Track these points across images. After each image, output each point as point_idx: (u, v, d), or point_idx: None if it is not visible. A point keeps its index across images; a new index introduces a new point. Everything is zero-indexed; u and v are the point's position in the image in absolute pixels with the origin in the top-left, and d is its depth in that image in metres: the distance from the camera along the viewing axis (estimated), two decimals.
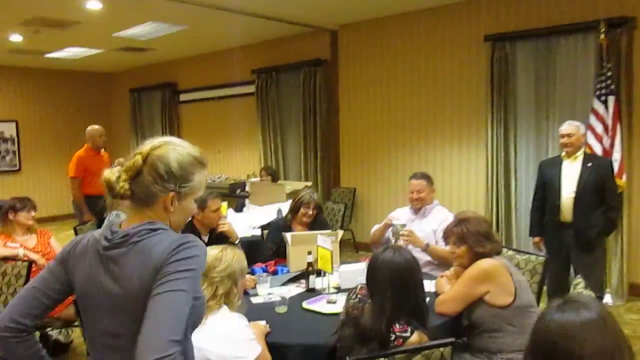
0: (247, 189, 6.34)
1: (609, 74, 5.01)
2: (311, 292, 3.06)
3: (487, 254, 2.63)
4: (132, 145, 10.61)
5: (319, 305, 2.82)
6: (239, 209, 6.06)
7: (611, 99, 4.99)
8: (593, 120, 5.03)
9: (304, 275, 3.13)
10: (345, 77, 7.50)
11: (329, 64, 7.57)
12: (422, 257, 3.61)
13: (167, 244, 1.35)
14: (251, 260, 4.25)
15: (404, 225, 3.56)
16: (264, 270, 3.36)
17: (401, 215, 3.89)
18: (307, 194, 3.95)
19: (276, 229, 4.08)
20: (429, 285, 3.00)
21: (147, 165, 1.41)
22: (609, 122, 5.01)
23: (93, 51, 8.58)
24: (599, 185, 4.08)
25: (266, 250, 3.94)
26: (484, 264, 2.60)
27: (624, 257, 5.17)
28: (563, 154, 4.25)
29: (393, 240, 3.52)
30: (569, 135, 4.17)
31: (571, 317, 1.25)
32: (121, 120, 11.01)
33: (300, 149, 7.91)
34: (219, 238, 3.44)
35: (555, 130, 5.59)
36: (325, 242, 3.04)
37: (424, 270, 3.50)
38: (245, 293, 2.97)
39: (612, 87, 5.00)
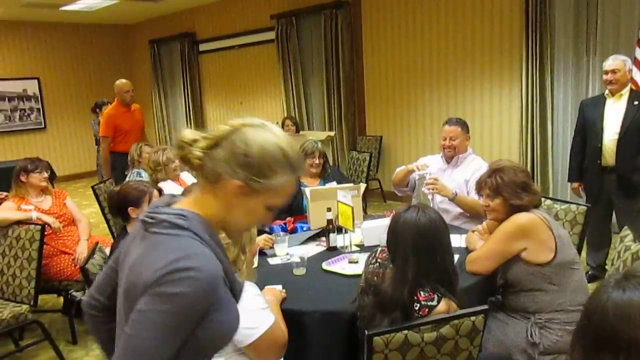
0: None
1: None
2: (332, 250, 2.87)
3: (524, 207, 2.37)
4: (155, 98, 10.48)
5: (340, 265, 2.63)
6: None
7: None
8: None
9: (324, 232, 2.93)
10: (368, 20, 7.08)
11: (351, 5, 7.14)
12: (453, 209, 3.38)
13: (164, 261, 1.08)
14: None
15: (424, 176, 3.31)
16: (283, 229, 3.17)
17: (432, 163, 3.62)
18: (309, 143, 3.73)
19: None
20: (459, 241, 2.79)
21: (229, 139, 1.17)
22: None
23: (108, 2, 8.30)
24: None
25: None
26: (521, 218, 2.35)
27: None
28: (606, 92, 3.89)
29: (418, 189, 3.27)
30: (613, 72, 3.78)
31: (635, 296, 1.01)
32: (142, 73, 10.81)
33: (323, 97, 7.61)
34: None
35: (597, 66, 5.21)
36: (346, 197, 2.81)
37: (455, 223, 3.29)
38: (262, 254, 2.81)
39: None
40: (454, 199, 3.26)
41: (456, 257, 2.37)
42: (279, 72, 8.08)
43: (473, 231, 2.74)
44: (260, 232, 3.08)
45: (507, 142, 5.93)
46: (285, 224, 3.24)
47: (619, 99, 3.82)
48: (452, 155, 3.50)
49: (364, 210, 5.26)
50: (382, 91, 7.12)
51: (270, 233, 3.10)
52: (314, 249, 2.93)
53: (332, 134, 6.24)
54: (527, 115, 5.58)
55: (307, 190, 3.31)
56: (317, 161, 3.76)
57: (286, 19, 7.80)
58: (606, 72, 3.82)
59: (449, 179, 3.48)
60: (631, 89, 3.87)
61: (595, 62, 5.23)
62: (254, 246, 1.98)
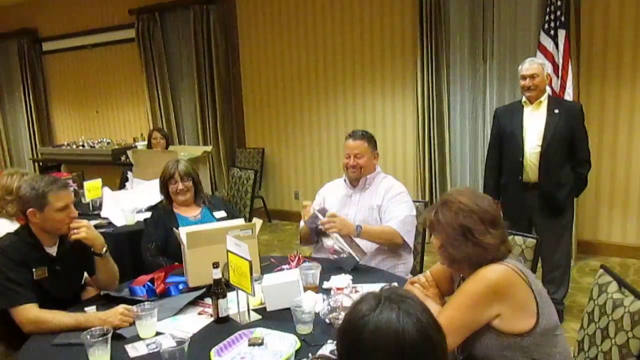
0: (129, 157, 5.04)
1: (559, 3, 4.25)
2: (222, 323, 2.01)
3: (488, 255, 1.71)
4: None
5: (237, 351, 1.78)
6: (122, 184, 4.79)
7: (562, 33, 4.26)
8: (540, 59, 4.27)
9: (210, 294, 2.06)
10: (245, 17, 6.26)
11: (224, 2, 6.27)
12: (367, 245, 2.68)
13: None
14: (138, 260, 3.17)
15: (323, 211, 2.60)
16: (148, 290, 2.24)
17: (333, 190, 2.91)
18: (169, 164, 3.05)
19: (156, 219, 2.98)
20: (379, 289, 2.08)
21: None
22: (560, 60, 4.29)
23: None
24: (568, 135, 3.32)
25: (144, 251, 2.86)
26: (490, 274, 1.67)
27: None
28: (523, 99, 3.45)
29: (319, 238, 2.56)
30: (532, 76, 3.34)
31: None
32: None
33: (195, 106, 6.66)
34: (74, 249, 2.25)
35: (495, 71, 4.90)
36: (240, 246, 1.98)
37: (373, 262, 2.60)
38: (119, 337, 1.88)
39: (563, 19, 4.26)
40: (359, 234, 2.58)
41: None
42: (142, 76, 6.98)
43: (412, 282, 2.05)
44: (116, 301, 2.14)
45: (401, 157, 5.43)
46: (151, 282, 2.30)
47: (537, 107, 3.39)
48: (357, 176, 2.82)
49: None
50: (263, 98, 6.35)
51: (129, 300, 2.15)
52: (196, 320, 2.04)
53: (209, 149, 5.34)
54: (424, 123, 5.12)
55: (181, 232, 2.41)
56: (180, 186, 2.98)
57: (148, 14, 6.72)
58: (524, 77, 3.37)
59: (356, 206, 2.81)
60: (549, 96, 3.47)
61: (493, 67, 4.91)
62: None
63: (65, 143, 7.68)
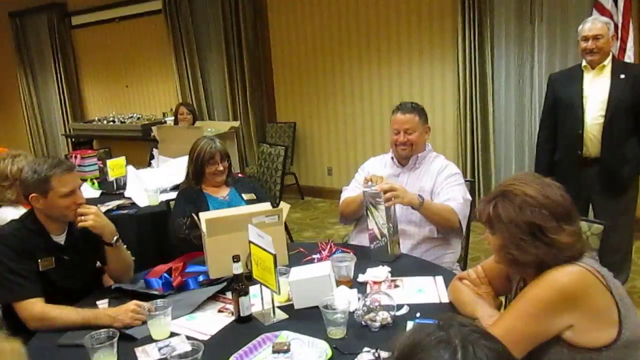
0: (154, 133, 4.84)
1: None
2: (244, 322, 1.77)
3: (561, 256, 1.41)
4: (21, 83, 8.69)
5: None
6: (150, 162, 4.61)
7: None
8: None
9: (231, 288, 1.83)
10: None
11: None
12: (414, 231, 2.41)
13: None
14: (162, 243, 2.96)
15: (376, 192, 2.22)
16: (164, 283, 2.02)
17: (378, 167, 2.59)
18: (206, 144, 2.78)
19: (186, 195, 2.76)
20: (433, 289, 1.85)
21: None
22: (619, 19, 3.86)
23: None
24: (635, 104, 2.94)
25: (177, 227, 2.60)
26: (562, 277, 1.37)
27: None
28: (584, 63, 3.06)
29: (367, 212, 2.24)
30: (595, 38, 2.95)
31: None
32: (1, 53, 8.91)
33: (224, 80, 6.42)
34: (84, 237, 2.03)
35: (544, 34, 4.46)
36: (263, 238, 1.72)
37: (418, 251, 2.32)
38: (130, 338, 1.67)
39: None
40: (420, 207, 2.26)
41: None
42: (170, 49, 6.75)
43: (460, 278, 1.76)
44: (130, 295, 1.93)
45: (440, 127, 5.05)
46: (168, 274, 2.08)
47: (600, 72, 3.01)
48: (408, 154, 2.50)
49: (286, 233, 4.20)
50: (294, 70, 6.04)
51: (143, 294, 1.94)
52: (215, 319, 1.81)
53: (236, 124, 5.12)
54: (465, 93, 4.74)
55: (201, 218, 2.18)
56: (220, 167, 2.76)
57: None
58: (586, 39, 2.98)
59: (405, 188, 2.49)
60: (613, 59, 3.07)
61: (542, 29, 4.47)
62: None
63: (96, 118, 7.59)
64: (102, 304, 1.96)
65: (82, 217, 1.92)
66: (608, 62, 2.99)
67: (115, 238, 1.99)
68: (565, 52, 4.36)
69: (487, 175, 4.81)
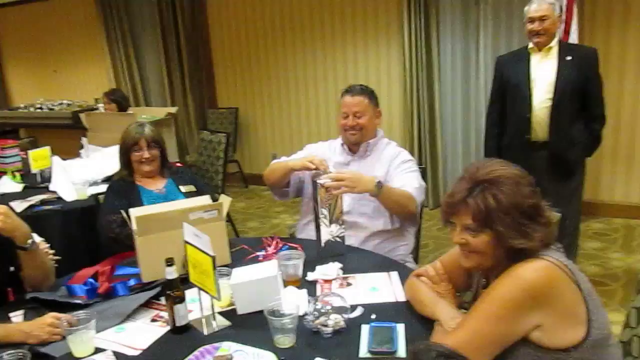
0: (83, 121, 4.50)
1: None
2: (180, 332, 1.58)
3: (532, 248, 1.30)
4: None
5: None
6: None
7: None
8: None
9: (166, 297, 1.62)
10: None
11: None
12: (367, 223, 2.26)
13: None
14: (92, 242, 2.66)
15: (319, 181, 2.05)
16: (89, 290, 1.79)
17: (327, 154, 2.43)
18: (132, 129, 2.58)
19: (117, 190, 2.52)
20: (388, 285, 1.74)
21: None
22: (563, 1, 3.83)
23: None
24: (582, 86, 2.91)
25: (106, 225, 2.35)
26: (530, 273, 1.26)
27: None
28: (530, 45, 3.00)
29: (317, 198, 2.07)
30: (541, 19, 2.89)
31: None
32: None
33: (161, 63, 6.10)
34: None
35: (488, 17, 4.41)
36: (200, 238, 1.53)
37: (369, 244, 2.19)
38: (47, 357, 1.45)
39: None
40: (378, 193, 2.07)
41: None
42: (102, 31, 6.36)
43: (418, 275, 1.63)
44: (49, 305, 1.69)
45: (386, 111, 4.94)
46: (94, 279, 1.85)
47: (546, 54, 2.96)
48: (358, 139, 2.34)
49: (230, 223, 4.09)
50: (235, 53, 5.80)
51: (63, 304, 1.70)
52: (147, 330, 1.61)
53: (173, 110, 4.83)
54: (412, 78, 4.68)
55: (131, 214, 1.95)
56: (145, 154, 2.52)
57: None
58: (532, 20, 2.92)
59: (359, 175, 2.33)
60: (560, 41, 3.03)
61: (487, 10, 4.42)
62: None
63: (22, 105, 7.05)
64: (17, 316, 1.71)
65: None
66: (554, 44, 2.95)
67: (30, 241, 1.74)
68: (510, 35, 4.34)
69: (435, 161, 4.76)
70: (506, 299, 1.25)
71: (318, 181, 2.01)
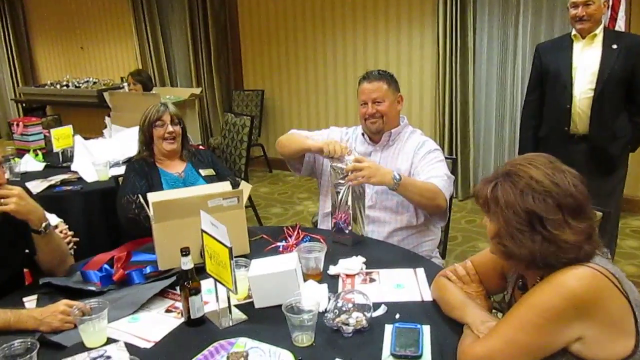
0: (107, 100, 4.49)
1: None
2: (195, 325, 1.53)
3: (562, 256, 1.21)
4: None
5: None
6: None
7: None
8: None
9: (181, 287, 1.58)
10: None
11: None
12: (389, 219, 2.19)
13: None
14: (113, 225, 2.63)
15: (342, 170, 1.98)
16: (103, 277, 1.75)
17: (350, 140, 2.36)
18: (155, 106, 2.58)
19: (137, 169, 2.50)
20: (414, 283, 1.68)
21: None
22: None
23: None
24: (627, 76, 2.76)
25: (125, 206, 2.33)
26: (573, 281, 1.17)
27: None
28: (573, 32, 2.86)
29: (334, 186, 2.00)
30: (586, 4, 2.73)
31: None
32: None
33: (187, 43, 6.06)
34: (7, 223, 1.73)
35: (529, 3, 4.25)
36: (217, 228, 1.48)
37: (395, 238, 2.12)
38: (58, 346, 1.42)
39: None
40: (396, 187, 2.00)
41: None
42: (129, 8, 6.33)
43: (446, 275, 1.55)
44: (63, 291, 1.67)
45: (417, 100, 4.85)
46: (109, 265, 1.82)
47: (590, 42, 2.81)
48: (379, 128, 2.25)
49: (252, 209, 4.06)
50: (264, 34, 5.72)
51: (76, 290, 1.67)
52: (161, 321, 1.56)
53: (197, 91, 4.80)
54: (445, 64, 4.54)
55: (148, 198, 1.91)
56: (169, 128, 2.52)
57: None
58: (575, 5, 2.77)
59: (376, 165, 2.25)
60: (605, 28, 2.87)
61: None
62: None
63: (49, 82, 7.13)
64: (30, 301, 1.69)
65: (2, 200, 1.63)
66: (599, 31, 2.80)
67: (44, 224, 1.71)
68: (551, 21, 4.19)
69: (466, 150, 4.63)
70: (546, 307, 1.17)
71: (332, 164, 1.98)
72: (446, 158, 2.34)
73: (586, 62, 2.80)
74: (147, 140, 2.55)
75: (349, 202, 1.96)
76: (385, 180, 1.97)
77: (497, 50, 4.49)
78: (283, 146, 2.35)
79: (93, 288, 1.70)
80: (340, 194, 1.98)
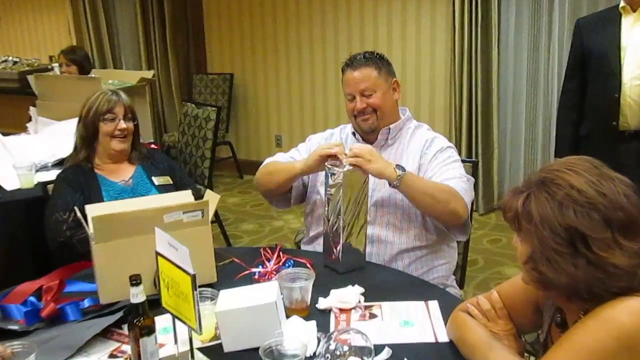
0: (31, 85, 4.53)
1: None
2: None
3: (611, 284, 1.24)
4: None
5: None
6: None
7: None
8: None
9: (129, 326, 1.58)
10: None
11: None
12: (398, 239, 2.20)
13: None
14: (40, 245, 2.66)
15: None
16: (29, 312, 1.75)
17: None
18: (102, 94, 2.60)
19: (71, 178, 2.51)
20: (421, 321, 1.71)
21: None
22: None
23: None
24: None
25: (55, 226, 2.36)
26: (624, 316, 1.20)
27: None
28: (622, 4, 2.93)
29: (327, 190, 2.04)
30: None
31: None
32: None
33: (136, 16, 6.16)
34: None
35: None
36: (176, 250, 1.48)
37: (399, 263, 2.21)
38: None
39: None
40: (399, 182, 2.00)
41: None
42: None
43: (463, 310, 1.58)
44: None
45: (427, 93, 4.96)
46: (37, 297, 1.82)
47: None
48: (373, 126, 2.28)
49: (219, 226, 4.08)
50: (232, 6, 5.83)
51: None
52: None
53: (149, 74, 4.83)
54: (462, 44, 4.65)
55: (89, 215, 1.91)
56: (122, 124, 2.55)
57: None
58: None
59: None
60: None
61: None
62: None
63: None
64: None
65: None
66: None
67: None
68: None
69: (489, 152, 4.71)
70: (593, 348, 1.20)
71: (327, 164, 2.03)
72: (464, 161, 2.38)
73: (638, 41, 2.86)
74: (89, 137, 2.56)
75: (344, 209, 1.98)
76: (386, 172, 1.99)
77: (527, 25, 4.59)
78: (266, 182, 2.37)
79: (15, 327, 1.70)
80: (335, 198, 1.99)
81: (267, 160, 2.43)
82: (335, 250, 2.02)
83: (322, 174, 2.18)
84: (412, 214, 2.15)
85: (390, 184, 2.03)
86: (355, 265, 2.04)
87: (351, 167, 1.97)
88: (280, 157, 2.43)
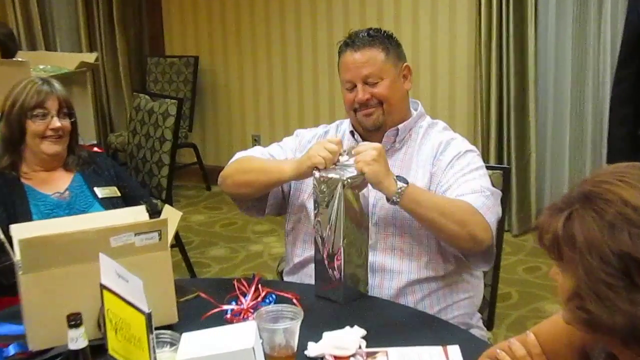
0: None
1: None
2: None
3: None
4: None
5: None
6: None
7: None
8: None
9: None
10: None
11: None
12: (406, 268, 2.24)
13: None
14: None
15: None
16: None
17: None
18: (30, 84, 2.64)
19: None
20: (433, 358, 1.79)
21: None
22: None
23: None
24: None
25: None
26: None
27: None
28: None
29: (318, 203, 2.08)
30: None
31: None
32: None
33: None
34: None
35: None
36: (127, 282, 1.51)
37: (412, 298, 2.27)
38: None
39: None
40: (399, 199, 2.03)
41: None
42: None
43: (494, 357, 1.62)
44: None
45: (446, 86, 5.02)
46: None
47: None
48: (377, 122, 2.32)
49: (180, 251, 4.10)
50: None
51: None
52: None
53: (91, 58, 4.88)
54: (490, 33, 4.77)
55: (14, 238, 1.94)
56: (56, 122, 2.61)
57: None
58: None
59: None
60: None
61: None
62: None
63: None
64: None
65: None
66: None
67: None
68: None
69: (524, 159, 4.78)
70: None
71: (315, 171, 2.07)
72: (492, 168, 2.42)
73: None
74: (14, 138, 2.60)
75: (343, 226, 2.01)
76: (384, 182, 2.03)
77: (572, 5, 4.67)
78: (238, 183, 2.39)
79: None
80: (330, 211, 2.02)
81: (240, 155, 2.45)
82: (333, 275, 2.05)
83: (309, 180, 2.22)
84: (422, 235, 2.18)
85: (388, 200, 2.06)
86: (359, 294, 2.08)
87: (355, 173, 2.01)
88: (257, 152, 2.46)
